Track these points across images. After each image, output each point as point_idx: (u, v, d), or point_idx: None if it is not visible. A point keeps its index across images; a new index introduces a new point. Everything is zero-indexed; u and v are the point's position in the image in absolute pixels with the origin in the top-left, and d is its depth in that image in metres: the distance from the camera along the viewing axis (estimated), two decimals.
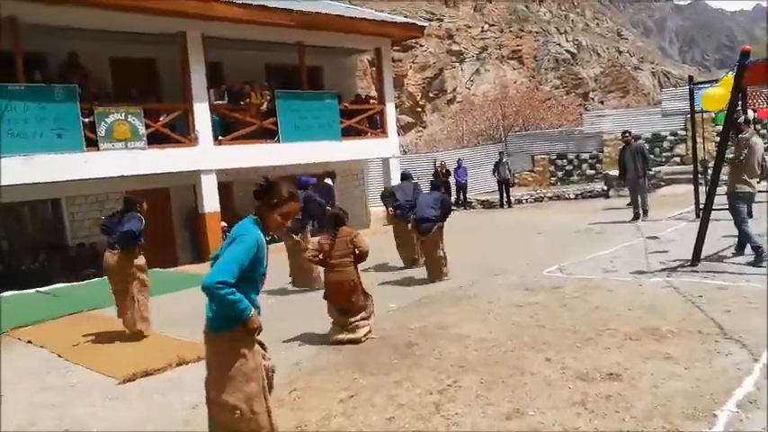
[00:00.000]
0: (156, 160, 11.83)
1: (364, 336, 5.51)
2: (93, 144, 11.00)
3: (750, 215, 7.61)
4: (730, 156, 7.63)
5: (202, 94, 12.57)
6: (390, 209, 9.71)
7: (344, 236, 5.70)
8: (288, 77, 14.84)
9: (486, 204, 19.07)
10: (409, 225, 8.55)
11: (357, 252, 5.65)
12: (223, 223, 13.11)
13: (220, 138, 12.97)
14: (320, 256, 5.76)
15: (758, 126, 16.06)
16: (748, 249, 7.36)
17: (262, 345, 3.14)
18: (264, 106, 13.72)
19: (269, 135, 13.68)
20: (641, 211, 12.20)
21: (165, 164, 12.00)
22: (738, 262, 7.25)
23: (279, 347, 5.51)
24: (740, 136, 7.42)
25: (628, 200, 15.65)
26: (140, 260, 6.41)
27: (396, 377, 4.51)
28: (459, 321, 5.87)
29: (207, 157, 12.62)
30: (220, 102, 13.28)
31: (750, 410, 3.44)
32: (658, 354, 4.45)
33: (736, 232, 7.64)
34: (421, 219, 8.02)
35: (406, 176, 10.14)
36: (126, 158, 11.37)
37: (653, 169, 13.85)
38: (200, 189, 12.64)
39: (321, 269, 6.22)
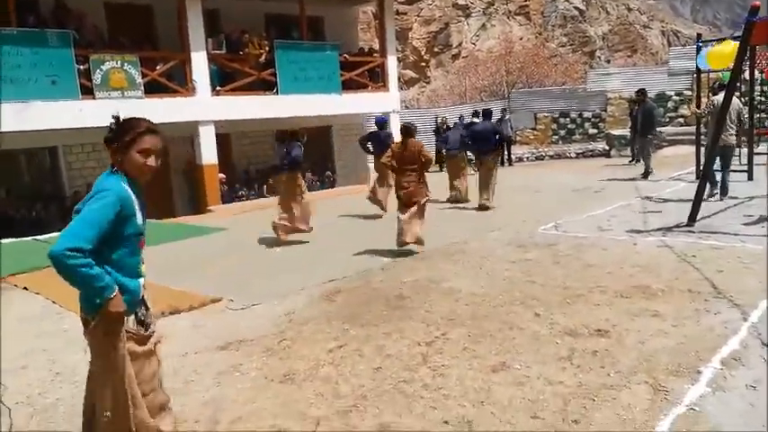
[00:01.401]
0: (154, 110, 11.60)
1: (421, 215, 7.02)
2: (88, 92, 10.84)
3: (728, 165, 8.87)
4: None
5: (200, 42, 12.32)
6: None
7: (412, 146, 6.97)
8: (288, 28, 14.54)
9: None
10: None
11: (423, 160, 6.92)
12: (221, 175, 13.05)
13: (218, 88, 12.78)
14: (393, 162, 6.98)
15: (765, 87, 15.79)
16: (751, 211, 7.36)
17: (143, 323, 2.59)
18: (263, 57, 13.46)
19: (267, 86, 13.47)
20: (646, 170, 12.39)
21: (163, 114, 11.79)
22: (735, 223, 7.21)
23: (272, 299, 5.55)
24: (711, 97, 8.67)
25: (629, 158, 15.67)
26: (301, 179, 8.26)
27: (385, 329, 4.53)
28: (452, 276, 5.88)
29: (205, 108, 12.46)
30: (218, 51, 13.03)
31: (734, 368, 3.46)
32: (647, 311, 4.46)
33: (736, 193, 7.65)
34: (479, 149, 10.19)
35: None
36: (122, 107, 11.14)
37: (657, 129, 13.75)
38: (198, 140, 12.52)
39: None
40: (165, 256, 7.87)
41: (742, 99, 9.91)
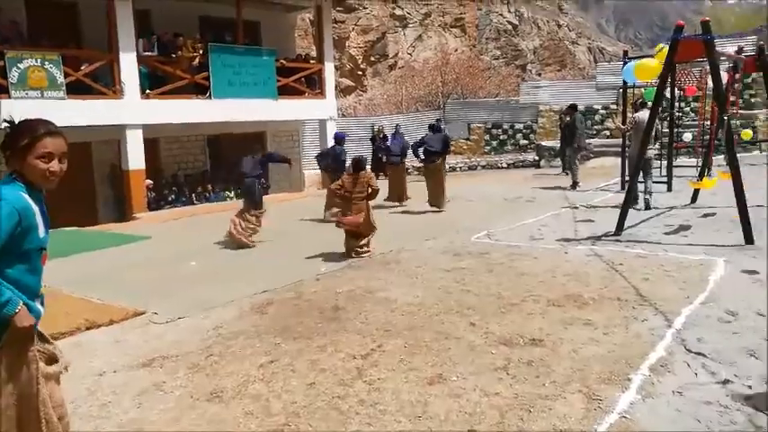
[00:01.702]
0: (77, 112, 11.07)
1: (369, 254, 7.18)
2: (3, 91, 10.19)
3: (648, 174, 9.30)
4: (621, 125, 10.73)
5: (129, 43, 11.81)
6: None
7: (363, 178, 7.37)
8: (223, 32, 14.17)
9: (422, 171, 19.05)
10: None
11: (370, 190, 7.34)
12: (148, 181, 12.53)
13: (148, 91, 12.29)
14: (343, 191, 7.37)
15: (683, 104, 16.69)
16: (671, 221, 7.67)
17: (43, 337, 2.39)
18: (197, 60, 13.06)
19: (200, 90, 13.08)
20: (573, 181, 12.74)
21: (87, 116, 11.26)
22: (658, 233, 7.50)
23: (198, 312, 5.31)
24: (633, 114, 9.56)
25: (558, 170, 16.20)
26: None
27: (319, 342, 4.40)
28: (387, 285, 5.81)
29: (133, 111, 11.94)
30: (149, 53, 12.54)
31: (661, 374, 3.53)
32: (579, 320, 4.52)
33: (660, 203, 7.99)
34: (428, 152, 10.88)
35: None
36: (42, 108, 10.55)
37: (584, 141, 14.27)
38: (124, 144, 11.99)
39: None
40: (84, 266, 7.44)
41: (659, 115, 10.46)
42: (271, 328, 4.79)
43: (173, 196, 13.19)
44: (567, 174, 14.31)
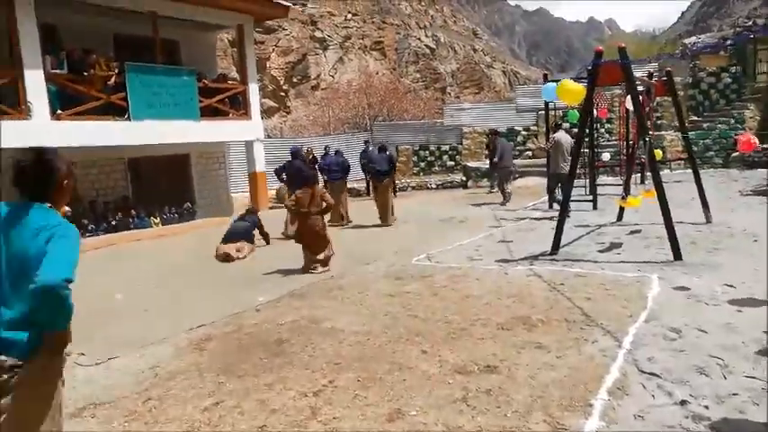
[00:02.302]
0: None
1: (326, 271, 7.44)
2: None
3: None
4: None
5: (35, 60, 11.03)
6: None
7: (316, 193, 7.59)
8: (140, 50, 13.52)
9: (354, 192, 18.99)
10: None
11: (325, 205, 7.61)
12: (66, 208, 11.69)
13: (59, 112, 11.52)
14: (299, 208, 7.55)
15: (597, 125, 17.54)
16: (602, 238, 7.90)
17: None
18: (113, 80, 12.39)
19: (118, 112, 12.40)
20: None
21: None
22: (592, 251, 7.71)
23: (132, 349, 4.90)
24: (551, 135, 11.06)
25: (486, 190, 16.61)
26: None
27: (266, 379, 4.13)
28: (332, 314, 5.60)
29: (42, 133, 11.08)
30: (58, 71, 11.77)
31: (620, 398, 3.53)
32: (531, 343, 4.50)
33: (586, 223, 8.24)
34: (377, 171, 11.68)
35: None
36: None
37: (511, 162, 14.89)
38: None
39: None
40: None
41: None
42: (212, 365, 4.47)
43: (92, 225, 12.34)
44: (496, 191, 14.75)
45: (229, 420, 3.55)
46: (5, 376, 2.12)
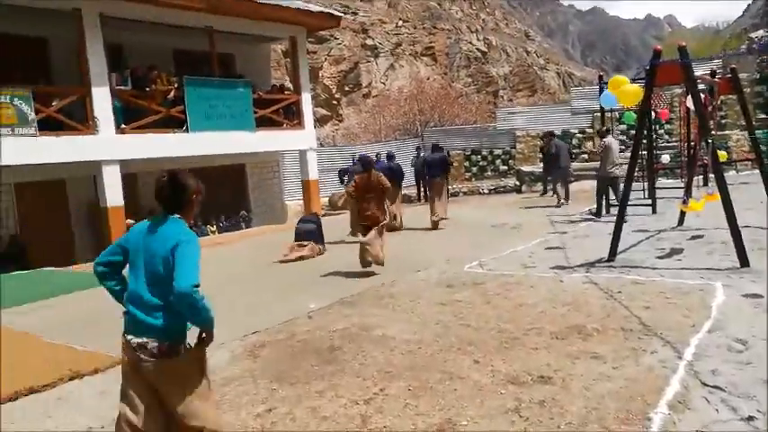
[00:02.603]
0: (51, 149, 10.79)
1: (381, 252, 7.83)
2: None
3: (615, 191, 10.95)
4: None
5: (102, 78, 11.61)
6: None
7: (373, 177, 7.98)
8: (197, 65, 14.02)
9: (405, 199, 19.02)
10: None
11: (382, 188, 8.00)
12: (129, 221, 12.20)
13: (123, 126, 12.05)
14: (355, 192, 7.98)
15: (657, 126, 16.95)
16: (661, 244, 7.65)
17: None
18: (172, 94, 12.89)
19: (177, 124, 12.88)
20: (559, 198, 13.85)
21: (61, 153, 10.99)
22: (651, 257, 7.45)
23: None
24: (603, 140, 11.30)
25: (538, 194, 16.36)
26: None
27: (318, 386, 4.18)
28: (383, 322, 5.61)
29: (108, 147, 11.69)
30: (123, 87, 12.32)
31: (681, 411, 3.39)
32: (586, 353, 4.38)
33: (645, 227, 7.99)
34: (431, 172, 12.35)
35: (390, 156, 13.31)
36: (14, 146, 10.27)
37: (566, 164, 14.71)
38: (101, 181, 11.69)
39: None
40: (63, 310, 7.11)
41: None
42: (266, 372, 4.55)
43: None
44: (551, 195, 14.55)
45: (281, 427, 3.61)
46: (147, 357, 2.69)
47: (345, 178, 12.52)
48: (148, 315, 2.71)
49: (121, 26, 12.25)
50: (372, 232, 7.80)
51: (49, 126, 10.88)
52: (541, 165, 16.52)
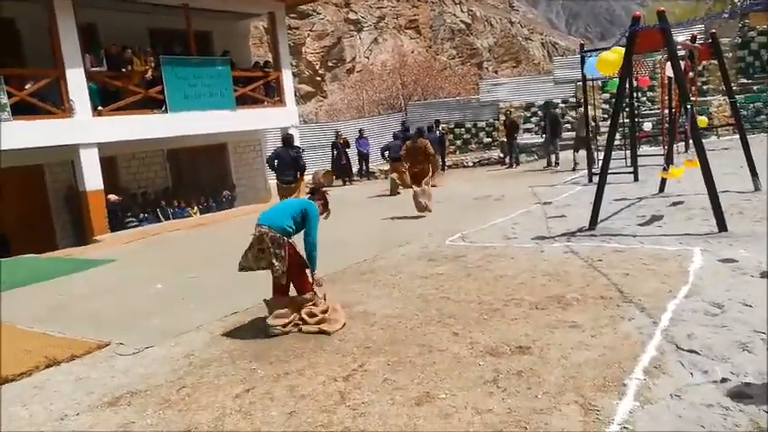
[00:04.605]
0: (25, 134, 10.56)
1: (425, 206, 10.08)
2: None
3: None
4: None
5: (76, 59, 11.32)
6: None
7: (420, 144, 10.56)
8: (174, 43, 13.73)
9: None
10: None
11: (427, 153, 10.50)
12: (114, 196, 12.06)
13: (100, 108, 11.82)
14: (406, 156, 10.60)
15: (638, 93, 16.92)
16: (642, 211, 7.67)
17: None
18: (149, 74, 12.63)
19: (156, 105, 12.65)
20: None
21: (37, 137, 10.76)
22: (631, 225, 7.47)
23: (167, 339, 5.01)
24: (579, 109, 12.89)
25: (522, 167, 16.34)
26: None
27: (297, 364, 4.17)
28: (364, 298, 5.60)
29: (85, 130, 11.46)
30: (98, 68, 12.05)
31: (656, 377, 3.41)
32: (564, 322, 4.40)
33: (626, 195, 8.00)
34: None
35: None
36: None
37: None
38: (79, 165, 11.48)
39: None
40: (43, 297, 7.03)
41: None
42: (245, 352, 4.53)
43: (139, 215, 12.70)
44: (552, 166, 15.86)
45: (259, 407, 3.60)
46: (270, 242, 4.78)
47: (387, 153, 15.06)
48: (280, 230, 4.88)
49: (94, 4, 11.94)
50: (419, 189, 9.96)
51: (23, 110, 10.64)
52: (538, 135, 17.41)
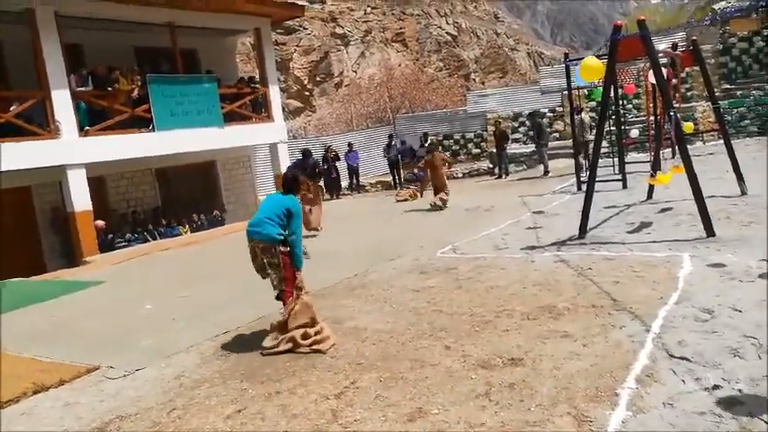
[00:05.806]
0: (11, 156, 10.46)
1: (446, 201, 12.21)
2: None
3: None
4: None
5: (61, 79, 11.26)
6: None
7: (438, 155, 12.87)
8: (160, 61, 13.72)
9: (384, 185, 19.05)
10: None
11: (444, 162, 12.86)
12: (100, 222, 11.94)
13: (87, 128, 11.76)
14: (426, 166, 13.00)
15: (624, 101, 17.07)
16: (631, 218, 7.72)
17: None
18: (135, 93, 12.59)
19: (143, 124, 12.60)
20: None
21: (23, 159, 10.66)
22: (621, 232, 7.50)
23: (157, 361, 4.96)
24: (576, 116, 13.09)
25: (512, 177, 16.40)
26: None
27: (289, 383, 4.13)
28: (355, 313, 5.58)
29: (72, 151, 11.38)
30: (83, 88, 12.01)
31: (648, 385, 3.41)
32: (556, 332, 4.39)
33: (615, 203, 8.06)
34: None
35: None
36: None
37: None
38: (66, 186, 11.38)
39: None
40: (32, 321, 6.95)
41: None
42: (236, 372, 4.49)
43: (128, 235, 12.60)
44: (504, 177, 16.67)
45: (251, 427, 3.56)
46: (261, 253, 4.98)
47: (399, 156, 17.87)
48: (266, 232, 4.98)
49: (79, 25, 11.92)
50: (438, 201, 11.98)
51: (8, 132, 10.58)
52: (526, 144, 18.34)
